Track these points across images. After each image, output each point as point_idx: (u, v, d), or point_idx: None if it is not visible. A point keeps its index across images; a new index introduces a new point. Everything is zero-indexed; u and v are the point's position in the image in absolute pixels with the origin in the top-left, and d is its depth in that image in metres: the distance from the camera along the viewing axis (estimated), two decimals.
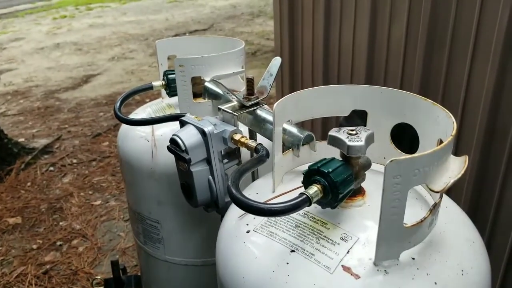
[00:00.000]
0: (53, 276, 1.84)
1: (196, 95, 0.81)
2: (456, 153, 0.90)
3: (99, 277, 1.16)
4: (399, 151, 0.58)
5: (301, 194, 0.44)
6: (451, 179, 0.42)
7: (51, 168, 2.64)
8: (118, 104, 0.74)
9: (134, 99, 3.23)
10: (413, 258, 0.45)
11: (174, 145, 0.60)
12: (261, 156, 0.55)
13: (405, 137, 0.61)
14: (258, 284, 0.45)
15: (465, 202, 0.94)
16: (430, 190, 0.41)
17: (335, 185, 0.45)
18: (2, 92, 3.88)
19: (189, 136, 0.59)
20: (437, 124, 0.49)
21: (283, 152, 0.57)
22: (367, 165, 0.51)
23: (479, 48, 0.88)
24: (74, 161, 2.71)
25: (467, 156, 0.44)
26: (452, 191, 0.96)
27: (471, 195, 0.93)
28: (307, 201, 0.44)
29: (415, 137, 0.55)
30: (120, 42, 5.47)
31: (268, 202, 0.46)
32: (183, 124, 0.63)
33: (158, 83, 0.80)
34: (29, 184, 2.47)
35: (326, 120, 1.48)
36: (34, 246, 2.00)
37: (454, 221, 0.51)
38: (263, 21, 5.93)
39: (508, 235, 0.85)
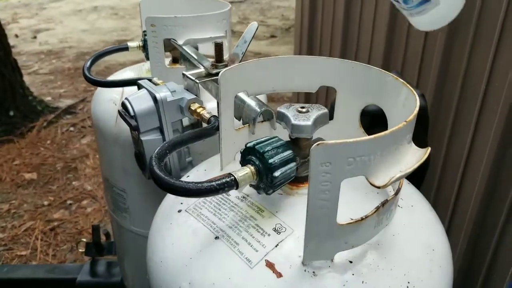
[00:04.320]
0: (59, 234, 1.89)
1: (176, 60, 0.76)
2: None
3: (84, 240, 1.17)
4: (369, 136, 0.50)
5: (229, 174, 0.39)
6: (400, 173, 0.34)
7: (72, 129, 2.70)
8: (88, 63, 0.70)
9: None
10: (351, 262, 0.38)
11: (124, 110, 0.55)
12: (207, 129, 0.49)
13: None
14: (173, 270, 0.41)
15: (469, 222, 0.84)
16: (370, 184, 0.35)
17: (268, 168, 0.39)
18: (37, 51, 3.98)
19: (140, 102, 0.54)
20: (405, 107, 0.41)
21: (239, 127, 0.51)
22: None
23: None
24: None
25: (429, 148, 0.37)
26: (457, 208, 0.87)
27: (476, 215, 0.82)
28: (232, 184, 0.38)
29: None
30: None
31: (197, 181, 0.40)
32: (139, 88, 0.58)
33: (134, 44, 0.75)
34: (48, 142, 2.53)
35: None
36: (45, 203, 2.06)
37: (416, 224, 0.44)
38: None
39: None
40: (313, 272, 0.37)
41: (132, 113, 0.54)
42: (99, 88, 0.80)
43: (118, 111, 0.57)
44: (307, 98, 1.53)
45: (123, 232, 0.82)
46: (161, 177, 0.38)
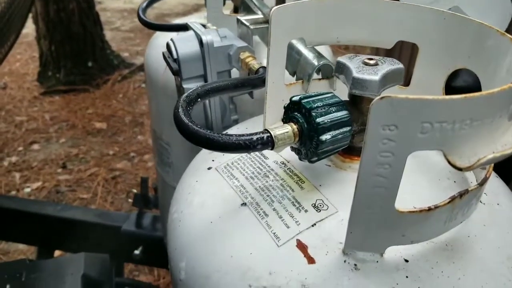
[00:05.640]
0: (119, 183, 1.97)
1: (237, 10, 0.70)
2: None
3: (134, 190, 1.18)
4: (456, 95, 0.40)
5: (265, 131, 0.32)
6: (493, 154, 0.25)
7: (143, 85, 2.78)
8: (144, 4, 0.66)
9: None
10: (406, 261, 0.30)
11: (168, 52, 0.50)
12: (252, 79, 0.42)
13: None
14: (190, 232, 0.35)
15: None
16: (449, 163, 0.25)
17: (315, 129, 0.31)
18: (121, 9, 4.15)
19: (185, 44, 0.48)
20: (509, 73, 0.31)
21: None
22: None
23: None
24: None
25: None
26: None
27: None
28: (266, 142, 0.31)
29: None
30: None
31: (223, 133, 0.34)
32: (188, 30, 0.52)
33: None
34: (121, 95, 2.64)
35: None
36: (111, 152, 2.16)
37: (501, 227, 0.34)
38: None
39: None
40: (355, 264, 0.30)
41: (175, 56, 0.48)
42: (156, 34, 0.76)
43: (163, 53, 0.52)
44: None
45: (166, 187, 0.80)
46: (184, 123, 0.31)
